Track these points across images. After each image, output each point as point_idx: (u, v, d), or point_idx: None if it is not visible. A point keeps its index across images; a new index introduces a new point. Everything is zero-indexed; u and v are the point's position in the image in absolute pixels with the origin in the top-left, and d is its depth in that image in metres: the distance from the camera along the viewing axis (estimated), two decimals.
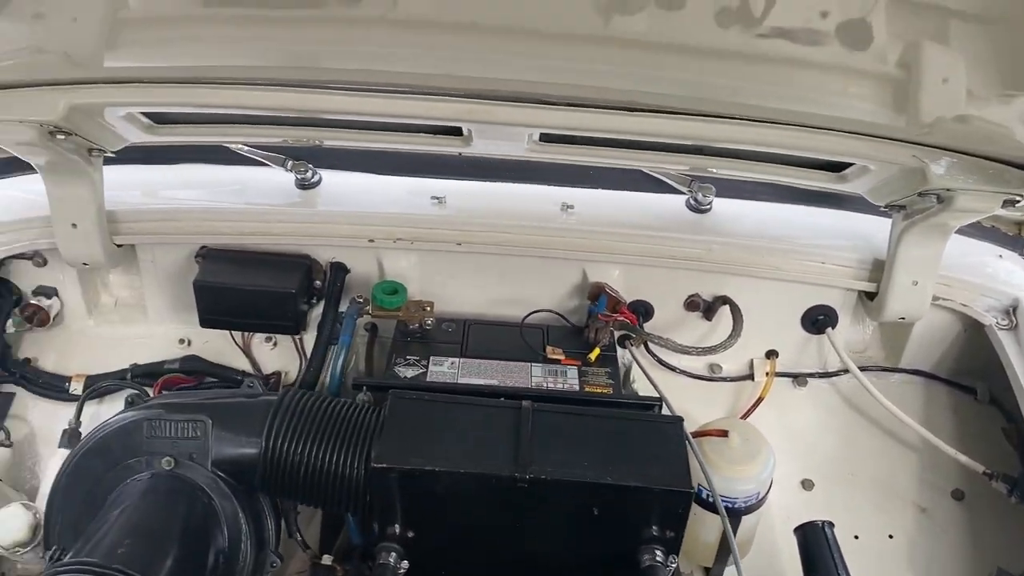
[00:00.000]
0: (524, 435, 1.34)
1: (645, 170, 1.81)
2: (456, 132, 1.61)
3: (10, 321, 1.79)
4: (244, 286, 1.68)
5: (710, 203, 1.83)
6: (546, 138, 1.60)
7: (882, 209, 1.70)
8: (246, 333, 1.85)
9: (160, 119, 1.61)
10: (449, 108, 1.42)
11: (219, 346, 1.85)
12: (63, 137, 1.47)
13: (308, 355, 1.80)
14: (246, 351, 1.86)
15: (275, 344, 1.87)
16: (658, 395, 1.62)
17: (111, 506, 1.27)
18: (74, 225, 1.65)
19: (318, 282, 1.78)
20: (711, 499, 1.44)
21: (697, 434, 1.51)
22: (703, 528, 1.53)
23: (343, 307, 1.78)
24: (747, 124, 1.43)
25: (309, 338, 1.83)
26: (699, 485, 1.43)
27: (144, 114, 1.58)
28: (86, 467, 1.31)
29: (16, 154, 1.54)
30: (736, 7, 1.21)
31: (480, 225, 1.75)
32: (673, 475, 1.31)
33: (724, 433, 1.50)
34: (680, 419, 1.42)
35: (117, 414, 1.36)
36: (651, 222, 1.80)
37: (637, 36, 1.27)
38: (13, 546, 1.40)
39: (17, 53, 1.37)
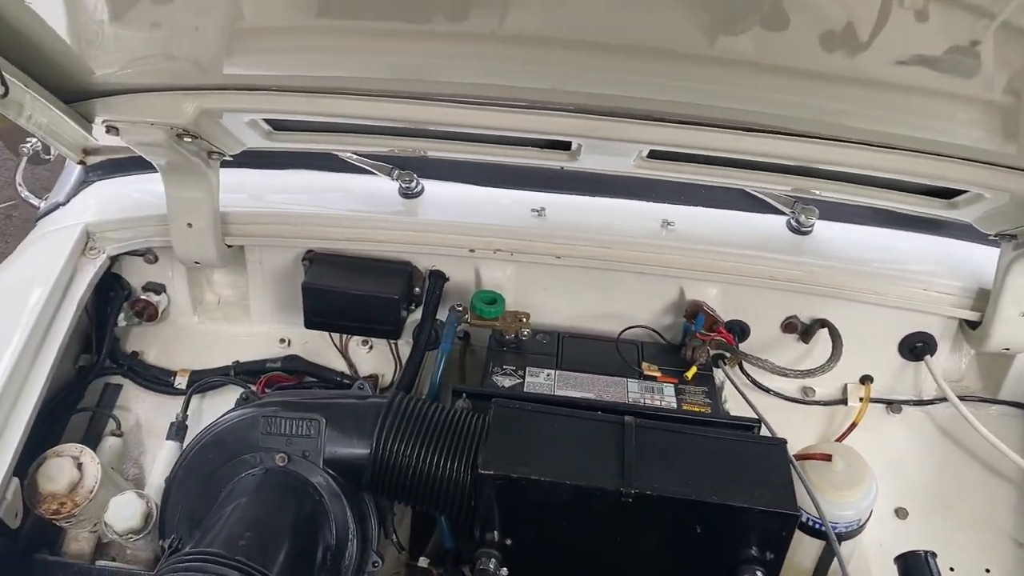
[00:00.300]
0: (628, 450, 1.35)
1: (748, 189, 1.81)
2: (565, 146, 1.63)
3: (121, 315, 1.86)
4: (350, 290, 1.72)
5: (812, 225, 1.82)
6: (654, 155, 1.61)
7: (991, 238, 1.67)
8: (344, 336, 1.89)
9: (279, 126, 1.67)
10: (562, 123, 1.44)
11: (318, 347, 1.90)
12: (189, 140, 1.53)
13: (402, 360, 1.85)
14: (344, 353, 1.90)
15: (371, 348, 1.91)
16: (756, 415, 1.62)
17: (226, 499, 1.31)
18: (189, 225, 1.71)
19: (417, 289, 1.81)
20: (812, 523, 1.43)
21: (800, 456, 1.51)
22: (799, 552, 1.52)
23: (440, 314, 1.81)
24: (859, 148, 1.42)
25: (402, 343, 1.88)
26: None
27: (265, 120, 1.63)
28: (202, 460, 1.36)
29: (140, 154, 1.60)
30: (841, 31, 1.21)
31: (579, 239, 1.76)
32: (778, 497, 1.30)
33: (828, 457, 1.49)
34: (784, 441, 1.41)
35: (232, 409, 1.40)
36: (751, 242, 1.80)
37: (744, 56, 1.28)
38: (127, 532, 1.45)
39: (149, 59, 1.43)
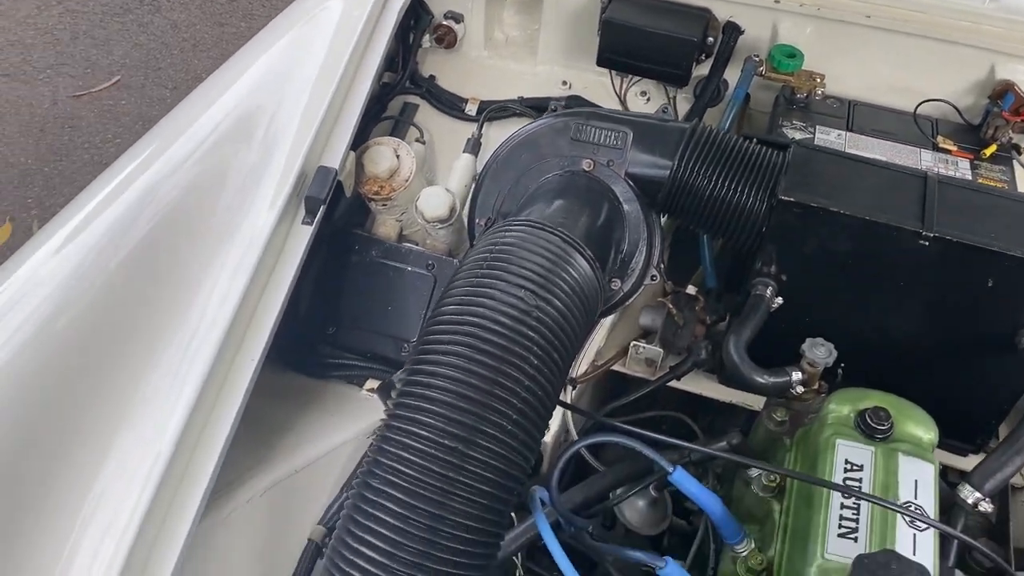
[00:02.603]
0: (930, 198, 1.35)
1: None
2: None
3: (425, 37, 1.98)
4: (650, 28, 1.74)
5: None
6: None
7: None
8: (625, 83, 1.94)
9: None
10: None
11: (598, 93, 1.97)
12: None
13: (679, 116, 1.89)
14: (622, 101, 1.96)
15: (648, 99, 1.95)
16: None
17: (534, 194, 1.43)
18: None
19: (711, 39, 1.81)
20: None
21: None
22: None
23: (726, 74, 1.82)
24: None
25: (681, 100, 1.91)
26: None
27: None
28: (514, 157, 1.47)
29: None
30: None
31: (895, 1, 1.69)
32: None
33: None
34: None
35: (544, 115, 1.50)
36: None
37: None
38: (434, 220, 1.61)
39: None
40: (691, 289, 1.63)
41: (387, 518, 0.99)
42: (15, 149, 3.83)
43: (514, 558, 1.42)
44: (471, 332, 1.06)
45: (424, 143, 1.87)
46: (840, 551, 1.03)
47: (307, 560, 1.26)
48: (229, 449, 1.16)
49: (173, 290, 1.28)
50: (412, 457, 1.01)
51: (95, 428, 1.10)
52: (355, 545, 1.00)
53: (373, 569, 0.98)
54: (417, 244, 1.69)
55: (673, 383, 1.64)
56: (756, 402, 1.59)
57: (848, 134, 1.66)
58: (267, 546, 1.27)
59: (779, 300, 1.43)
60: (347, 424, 1.51)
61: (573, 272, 1.16)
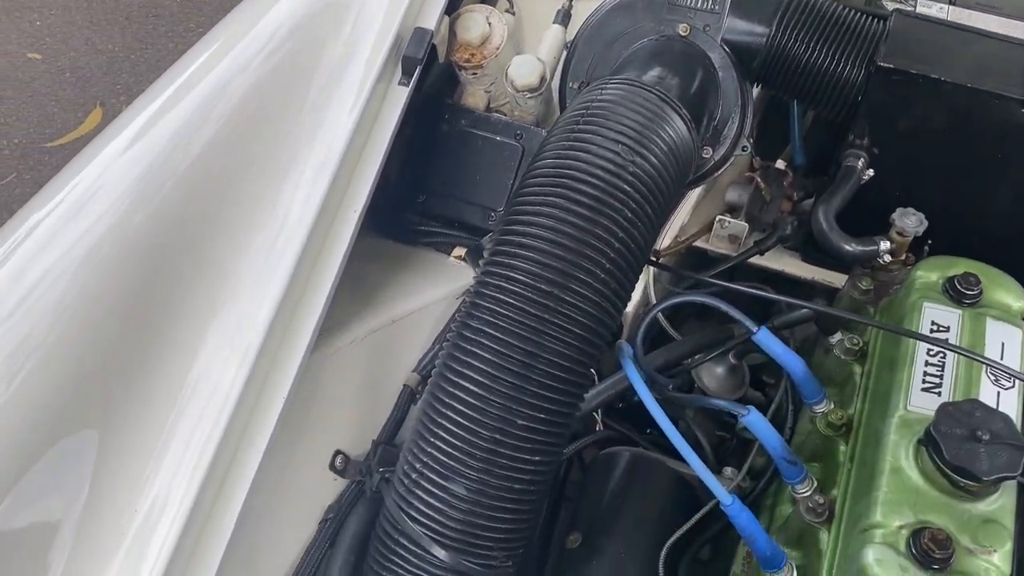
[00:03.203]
0: None
1: None
2: None
3: None
4: None
5: None
6: None
7: None
8: None
9: None
10: None
11: None
12: None
13: None
14: None
15: None
16: None
17: (629, 58, 1.43)
18: None
19: None
20: None
21: None
22: None
23: None
24: None
25: None
26: None
27: None
28: (609, 22, 1.46)
29: None
30: None
31: None
32: None
33: None
34: None
35: None
36: None
37: None
38: (524, 88, 1.63)
39: None
40: (780, 164, 1.63)
41: (484, 354, 1.05)
42: (103, 36, 3.92)
43: (594, 414, 1.48)
44: (567, 184, 1.10)
45: (513, 14, 1.86)
46: (923, 404, 1.06)
47: (403, 403, 1.33)
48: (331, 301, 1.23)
49: (277, 149, 1.33)
50: (508, 299, 1.06)
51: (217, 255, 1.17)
52: (454, 379, 1.07)
53: (471, 400, 1.05)
54: (505, 115, 1.71)
55: (755, 260, 1.65)
56: (838, 280, 1.60)
57: (951, 7, 1.61)
58: (365, 388, 1.34)
59: (870, 172, 1.42)
60: (438, 285, 1.57)
61: (669, 131, 1.18)
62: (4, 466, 0.99)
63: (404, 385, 1.36)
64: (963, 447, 0.94)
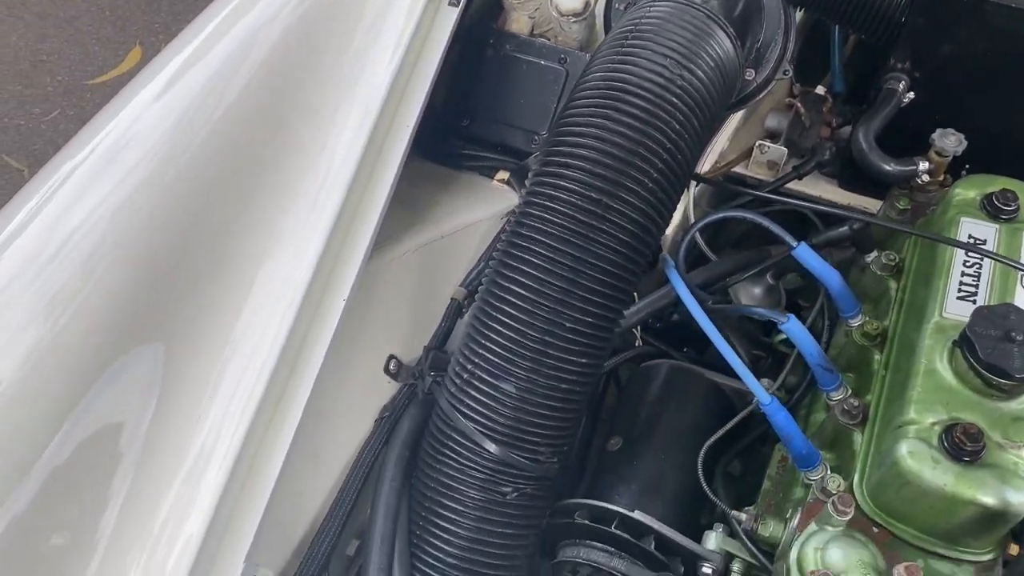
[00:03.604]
0: None
1: None
2: None
3: None
4: None
5: None
6: None
7: None
8: None
9: None
10: None
11: None
12: None
13: None
14: None
15: None
16: None
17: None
18: None
19: None
20: None
21: None
22: None
23: None
24: None
25: None
26: None
27: None
28: None
29: None
30: None
31: None
32: None
33: None
34: None
35: None
36: None
37: None
38: (568, 13, 1.65)
39: None
40: (820, 89, 1.65)
41: (534, 259, 1.10)
42: None
43: (633, 330, 1.53)
44: (616, 96, 1.13)
45: None
46: (958, 311, 1.10)
47: (451, 315, 1.39)
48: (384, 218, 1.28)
49: (331, 70, 1.37)
50: (558, 207, 1.11)
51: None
52: (505, 284, 1.12)
53: (522, 303, 1.10)
54: (549, 40, 1.73)
55: (793, 185, 1.68)
56: (874, 206, 1.63)
57: None
58: (416, 298, 1.40)
59: (911, 95, 1.44)
60: (482, 207, 1.61)
61: (716, 47, 1.20)
62: (80, 370, 1.05)
63: (451, 298, 1.41)
64: (997, 347, 0.98)
